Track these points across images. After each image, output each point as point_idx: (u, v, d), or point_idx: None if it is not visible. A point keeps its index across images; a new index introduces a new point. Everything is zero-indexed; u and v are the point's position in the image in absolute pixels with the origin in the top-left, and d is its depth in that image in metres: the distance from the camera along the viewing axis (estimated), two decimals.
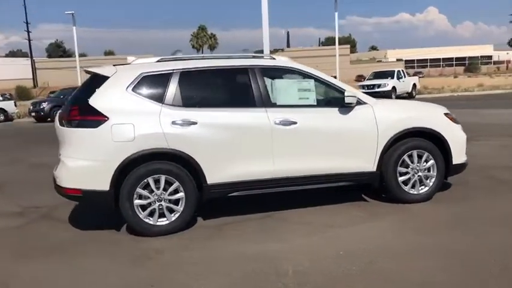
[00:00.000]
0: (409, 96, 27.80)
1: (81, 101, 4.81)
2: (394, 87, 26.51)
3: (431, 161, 5.42)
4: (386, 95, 24.03)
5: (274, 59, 5.37)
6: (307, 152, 5.12)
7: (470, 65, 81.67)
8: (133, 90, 4.83)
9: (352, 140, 5.23)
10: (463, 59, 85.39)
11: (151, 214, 4.77)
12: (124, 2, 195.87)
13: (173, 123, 4.76)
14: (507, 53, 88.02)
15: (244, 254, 4.17)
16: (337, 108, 5.21)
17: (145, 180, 4.71)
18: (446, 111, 5.72)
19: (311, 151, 5.13)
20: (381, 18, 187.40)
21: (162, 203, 4.77)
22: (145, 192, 4.73)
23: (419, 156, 5.39)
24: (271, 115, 4.99)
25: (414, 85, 29.77)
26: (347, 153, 5.23)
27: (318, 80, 5.29)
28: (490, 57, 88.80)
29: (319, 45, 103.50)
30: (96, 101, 4.73)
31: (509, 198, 5.51)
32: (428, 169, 5.43)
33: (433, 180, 5.44)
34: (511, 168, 7.03)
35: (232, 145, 4.92)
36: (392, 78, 27.45)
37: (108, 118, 4.66)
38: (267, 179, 5.02)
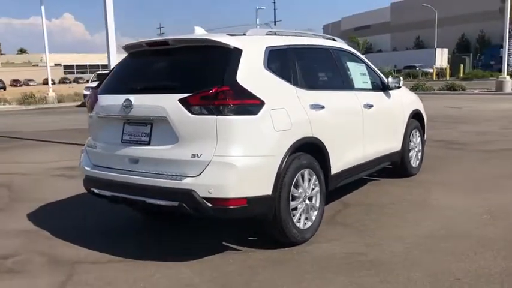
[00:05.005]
0: None
1: (224, 81, 3.50)
2: None
3: (419, 138, 6.35)
4: None
5: (335, 40, 5.16)
6: (379, 135, 5.22)
7: None
8: (268, 67, 3.86)
9: (396, 121, 5.64)
10: None
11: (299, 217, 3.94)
12: None
13: (311, 107, 4.07)
14: None
15: (423, 236, 4.08)
16: (382, 92, 5.49)
17: (295, 177, 3.87)
18: None
19: (380, 133, 5.26)
20: (12, 20, 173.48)
21: (307, 201, 4.02)
22: (297, 192, 3.89)
23: (415, 135, 6.23)
24: (358, 98, 4.88)
25: None
26: (394, 134, 5.61)
27: (365, 63, 5.41)
28: None
29: None
30: (243, 80, 3.57)
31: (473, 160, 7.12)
32: (417, 145, 6.34)
33: (420, 154, 6.39)
34: None
35: (347, 130, 4.60)
36: None
37: (265, 102, 3.60)
38: (360, 164, 4.88)
